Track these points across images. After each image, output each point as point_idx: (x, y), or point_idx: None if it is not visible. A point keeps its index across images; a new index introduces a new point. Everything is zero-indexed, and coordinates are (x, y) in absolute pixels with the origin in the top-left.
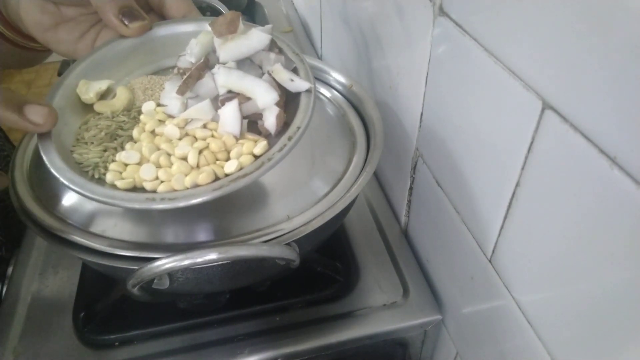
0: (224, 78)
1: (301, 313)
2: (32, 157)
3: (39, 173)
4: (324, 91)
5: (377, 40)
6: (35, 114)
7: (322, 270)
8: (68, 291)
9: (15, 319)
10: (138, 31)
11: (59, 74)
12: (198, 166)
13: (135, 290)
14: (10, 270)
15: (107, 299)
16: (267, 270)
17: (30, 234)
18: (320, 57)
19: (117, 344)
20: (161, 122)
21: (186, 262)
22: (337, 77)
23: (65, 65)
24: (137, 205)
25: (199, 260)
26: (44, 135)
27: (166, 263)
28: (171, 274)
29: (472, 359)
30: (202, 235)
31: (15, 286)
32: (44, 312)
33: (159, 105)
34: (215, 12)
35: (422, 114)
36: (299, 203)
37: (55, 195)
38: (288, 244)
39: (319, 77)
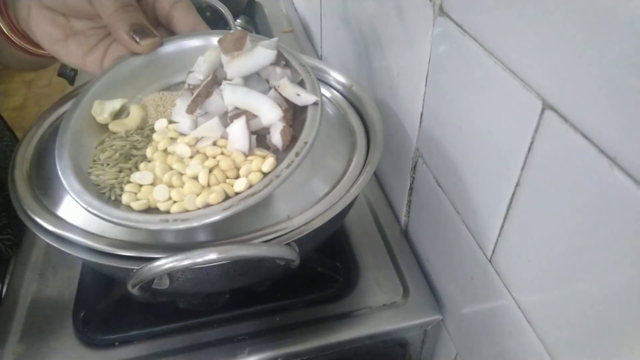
0: (229, 96)
1: (301, 313)
2: (32, 157)
3: (39, 173)
4: (324, 91)
5: (377, 40)
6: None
7: (322, 270)
8: (68, 291)
9: (15, 319)
10: (149, 48)
11: (59, 75)
12: (209, 185)
13: (135, 290)
14: (10, 270)
15: (107, 299)
16: (267, 270)
17: (30, 234)
18: (320, 57)
19: (117, 344)
20: (173, 139)
21: (186, 262)
22: (337, 77)
23: (64, 66)
24: (152, 227)
25: (199, 260)
26: (62, 156)
27: (166, 263)
28: (171, 274)
29: (472, 359)
30: (202, 235)
31: (15, 286)
32: (44, 312)
33: (170, 122)
34: (215, 12)
35: (422, 114)
36: (299, 203)
37: (55, 195)
38: (288, 244)
39: (319, 77)
